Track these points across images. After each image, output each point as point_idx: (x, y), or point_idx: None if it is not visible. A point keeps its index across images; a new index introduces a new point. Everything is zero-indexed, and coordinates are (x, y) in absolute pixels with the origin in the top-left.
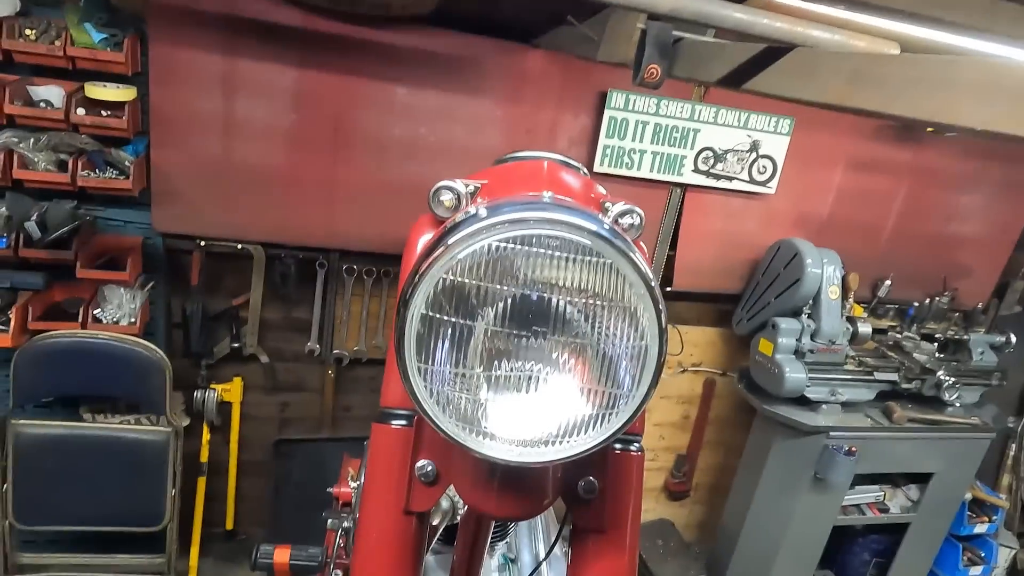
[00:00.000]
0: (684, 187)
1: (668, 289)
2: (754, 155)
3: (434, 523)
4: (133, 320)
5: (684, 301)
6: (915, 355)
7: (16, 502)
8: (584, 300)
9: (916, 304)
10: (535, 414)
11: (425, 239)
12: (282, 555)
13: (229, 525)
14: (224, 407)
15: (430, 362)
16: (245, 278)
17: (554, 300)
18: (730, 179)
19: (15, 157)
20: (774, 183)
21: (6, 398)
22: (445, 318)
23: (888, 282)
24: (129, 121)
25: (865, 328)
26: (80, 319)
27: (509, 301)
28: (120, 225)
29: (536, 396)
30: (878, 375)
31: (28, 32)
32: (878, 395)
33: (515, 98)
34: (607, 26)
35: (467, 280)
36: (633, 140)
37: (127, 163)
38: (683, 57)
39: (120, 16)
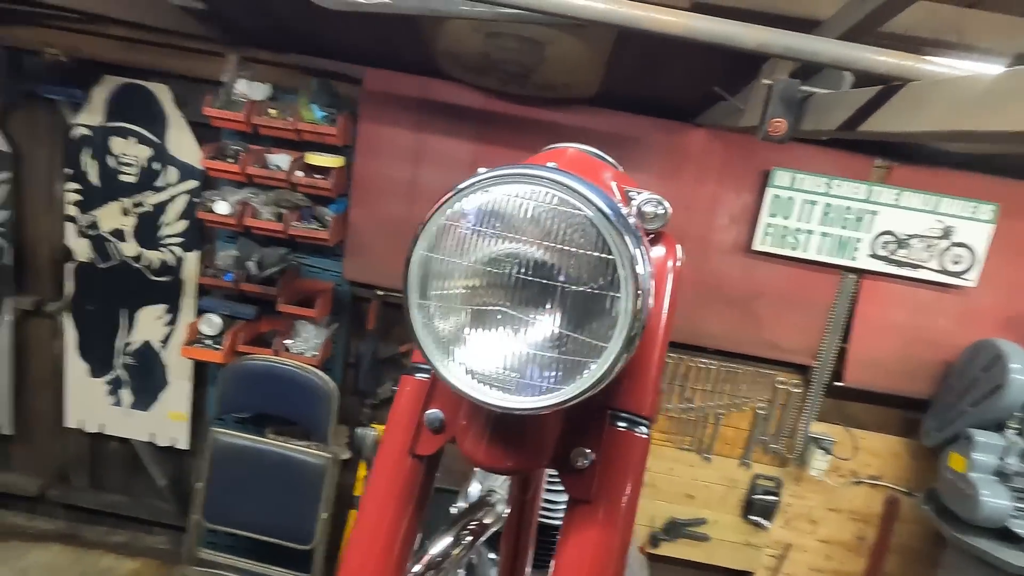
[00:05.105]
0: (859, 273)
1: (839, 384)
2: (947, 243)
3: (487, 522)
4: (316, 354)
5: (861, 402)
6: None
7: (206, 501)
8: (562, 249)
9: None
10: (512, 356)
11: None
12: None
13: None
14: None
15: (426, 297)
16: None
17: (536, 248)
18: (915, 267)
19: (248, 209)
20: (973, 275)
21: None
22: (441, 257)
23: None
24: (335, 183)
25: None
26: (274, 347)
27: (497, 246)
28: (317, 272)
29: (514, 338)
30: None
31: (271, 111)
32: None
33: (675, 174)
34: (750, 94)
35: (460, 225)
36: (799, 220)
37: (328, 218)
38: (811, 112)
39: (339, 99)
